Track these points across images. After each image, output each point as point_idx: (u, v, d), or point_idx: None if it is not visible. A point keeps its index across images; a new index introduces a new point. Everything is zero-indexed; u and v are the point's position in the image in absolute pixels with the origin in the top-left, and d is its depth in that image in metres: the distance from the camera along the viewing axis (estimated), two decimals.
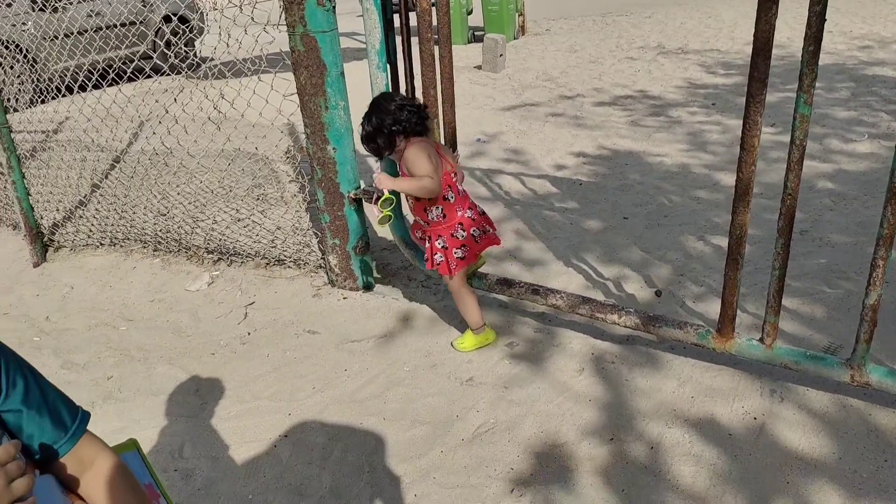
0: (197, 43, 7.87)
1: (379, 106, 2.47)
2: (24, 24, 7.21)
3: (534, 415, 2.32)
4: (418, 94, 2.83)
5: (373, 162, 4.93)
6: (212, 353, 2.91)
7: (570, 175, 4.60)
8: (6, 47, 6.75)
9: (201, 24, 7.34)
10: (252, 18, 3.04)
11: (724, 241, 3.42)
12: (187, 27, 5.96)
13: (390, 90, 2.89)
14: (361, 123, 2.51)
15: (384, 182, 2.45)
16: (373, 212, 2.63)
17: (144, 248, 3.88)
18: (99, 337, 3.14)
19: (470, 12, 10.29)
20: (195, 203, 4.14)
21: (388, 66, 2.88)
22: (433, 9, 2.62)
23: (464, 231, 2.58)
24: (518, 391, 2.45)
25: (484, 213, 2.69)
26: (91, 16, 7.30)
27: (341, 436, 2.33)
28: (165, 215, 3.87)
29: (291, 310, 3.18)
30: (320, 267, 3.43)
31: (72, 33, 6.22)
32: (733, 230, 2.15)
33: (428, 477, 2.11)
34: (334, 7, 2.77)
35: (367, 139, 2.50)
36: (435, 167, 2.44)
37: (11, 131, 3.71)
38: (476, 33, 10.30)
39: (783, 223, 2.05)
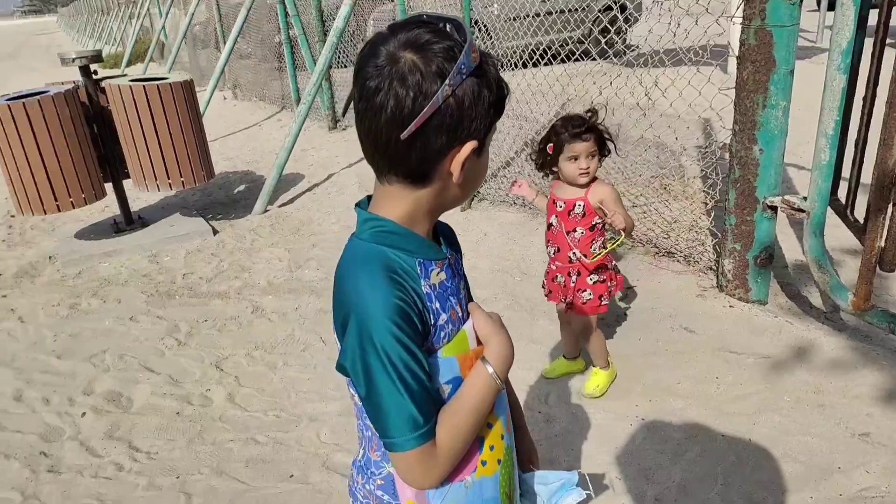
0: (630, 30, 8.15)
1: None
2: (491, 5, 8.42)
3: None
4: (880, 103, 2.47)
5: (794, 172, 4.49)
6: None
7: None
8: (474, 25, 7.98)
9: (637, 14, 7.55)
10: (707, 9, 3.02)
11: None
12: (626, 14, 6.17)
13: (844, 95, 2.58)
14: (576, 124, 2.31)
15: (621, 221, 2.28)
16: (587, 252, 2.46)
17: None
18: (498, 280, 3.62)
19: None
20: None
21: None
22: None
23: (611, 262, 2.53)
24: None
25: None
26: (544, 1, 8.13)
27: (700, 439, 2.27)
28: None
29: (671, 303, 3.16)
30: (711, 269, 3.31)
31: (527, 16, 7.05)
32: None
33: None
34: (801, 1, 2.58)
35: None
36: None
37: None
38: None
39: None
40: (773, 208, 2.88)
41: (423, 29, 0.83)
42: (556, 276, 2.52)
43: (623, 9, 8.30)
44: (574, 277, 2.46)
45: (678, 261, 3.48)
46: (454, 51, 0.81)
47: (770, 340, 2.77)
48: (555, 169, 2.40)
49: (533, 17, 6.70)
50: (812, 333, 2.78)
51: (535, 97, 4.80)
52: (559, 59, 4.59)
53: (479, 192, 4.79)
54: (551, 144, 2.35)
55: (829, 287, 2.69)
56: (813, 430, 2.25)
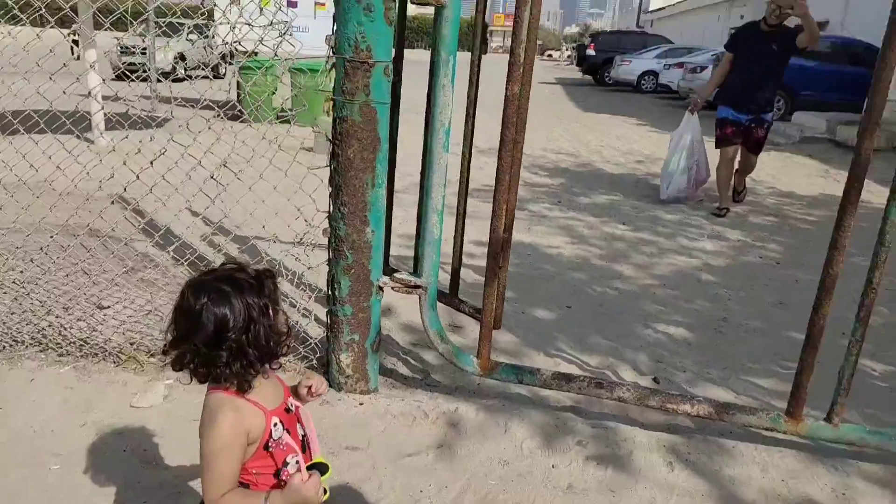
0: None
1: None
2: None
3: None
4: (479, 178, 2.64)
5: None
6: None
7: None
8: None
9: None
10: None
11: (670, 329, 3.75)
12: None
13: (447, 170, 2.62)
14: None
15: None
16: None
17: (39, 350, 2.85)
18: (29, 486, 2.18)
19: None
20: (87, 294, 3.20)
21: None
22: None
23: None
24: (627, 493, 2.33)
25: None
26: None
27: None
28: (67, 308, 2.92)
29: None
30: (311, 367, 2.89)
31: None
32: (817, 319, 2.39)
33: None
34: (392, 79, 2.52)
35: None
36: None
37: None
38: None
39: (864, 314, 2.36)
40: (382, 289, 2.73)
41: None
42: None
43: None
44: None
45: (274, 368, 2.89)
46: None
47: (428, 428, 2.62)
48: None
49: None
50: (444, 407, 2.76)
51: None
52: None
53: None
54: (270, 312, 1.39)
55: (454, 356, 2.74)
56: (531, 498, 2.25)
